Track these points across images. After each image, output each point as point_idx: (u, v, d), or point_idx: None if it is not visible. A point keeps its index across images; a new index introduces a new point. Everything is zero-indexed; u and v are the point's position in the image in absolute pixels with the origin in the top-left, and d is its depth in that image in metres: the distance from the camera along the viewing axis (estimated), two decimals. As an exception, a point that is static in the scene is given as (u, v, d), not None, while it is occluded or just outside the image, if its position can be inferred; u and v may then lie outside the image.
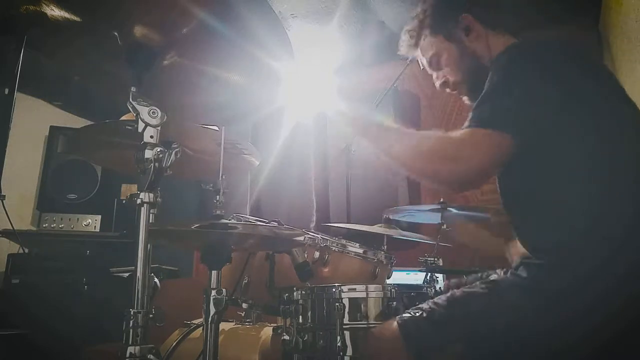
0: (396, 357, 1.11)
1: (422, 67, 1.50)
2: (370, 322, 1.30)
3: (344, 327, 1.29)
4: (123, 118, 1.41)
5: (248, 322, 1.79)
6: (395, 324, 1.13)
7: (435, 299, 1.14)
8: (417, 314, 1.11)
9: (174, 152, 1.07)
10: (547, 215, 1.11)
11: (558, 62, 1.14)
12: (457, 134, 1.12)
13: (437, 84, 1.47)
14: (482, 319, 1.05)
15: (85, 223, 3.01)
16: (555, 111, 1.07)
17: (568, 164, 1.08)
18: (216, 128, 1.48)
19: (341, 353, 1.27)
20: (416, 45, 1.46)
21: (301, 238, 1.48)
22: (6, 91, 2.36)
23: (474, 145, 1.08)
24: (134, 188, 1.02)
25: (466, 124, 1.12)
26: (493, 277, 1.13)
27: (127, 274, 2.71)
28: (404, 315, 1.15)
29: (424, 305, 1.13)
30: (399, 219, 2.32)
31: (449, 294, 1.13)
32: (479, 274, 1.58)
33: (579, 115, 1.08)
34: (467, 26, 1.37)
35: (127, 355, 0.94)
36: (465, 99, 1.45)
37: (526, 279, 1.04)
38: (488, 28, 1.37)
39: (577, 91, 1.09)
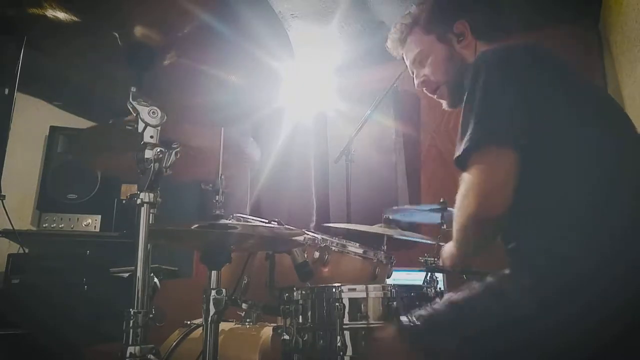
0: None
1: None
2: (370, 322, 1.30)
3: (344, 327, 1.29)
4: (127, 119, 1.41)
5: (248, 322, 1.79)
6: (394, 330, 1.13)
7: (434, 305, 1.13)
8: (417, 322, 1.10)
9: (174, 152, 1.07)
10: (543, 222, 1.10)
11: (529, 67, 1.13)
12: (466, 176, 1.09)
13: (417, 82, 1.47)
14: (480, 320, 1.05)
15: (85, 223, 3.01)
16: (546, 114, 1.07)
17: (563, 169, 1.08)
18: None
19: (341, 353, 1.27)
20: (403, 40, 1.47)
21: (301, 238, 1.48)
22: (6, 91, 2.36)
23: (485, 170, 1.06)
24: (134, 188, 1.02)
25: (463, 146, 1.09)
26: (489, 277, 1.12)
27: (127, 274, 2.71)
28: (402, 321, 1.13)
29: (422, 312, 1.12)
30: (400, 218, 2.32)
31: (446, 297, 1.12)
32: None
33: (568, 116, 1.08)
34: (461, 32, 1.40)
35: (127, 355, 0.95)
36: (443, 103, 1.46)
37: (523, 278, 1.04)
38: (478, 38, 1.40)
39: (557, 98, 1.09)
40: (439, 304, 1.12)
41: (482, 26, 1.40)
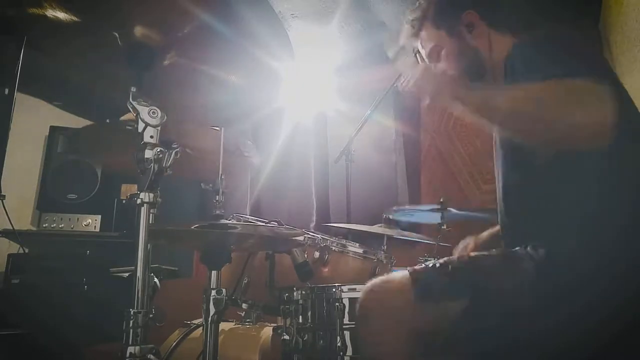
0: (401, 301, 1.10)
1: (414, 53, 1.49)
2: (370, 322, 1.29)
3: (344, 327, 1.29)
4: (123, 118, 1.41)
5: (248, 322, 1.79)
6: (406, 272, 1.13)
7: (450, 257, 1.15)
8: (430, 265, 1.12)
9: (174, 152, 1.07)
10: (543, 221, 1.10)
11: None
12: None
13: None
14: (492, 277, 1.05)
15: (85, 223, 3.01)
16: None
17: (563, 168, 1.08)
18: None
19: (341, 353, 1.27)
20: (417, 35, 1.46)
21: (301, 238, 1.48)
22: (6, 91, 2.36)
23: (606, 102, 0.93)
24: (134, 188, 1.02)
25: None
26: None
27: (127, 274, 2.71)
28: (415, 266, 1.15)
29: (438, 259, 1.15)
30: (399, 217, 2.32)
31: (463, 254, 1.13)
32: None
33: None
34: (470, 23, 1.37)
35: (127, 355, 0.94)
36: None
37: (540, 256, 1.04)
38: (491, 27, 1.37)
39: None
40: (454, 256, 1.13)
41: (493, 12, 1.39)
